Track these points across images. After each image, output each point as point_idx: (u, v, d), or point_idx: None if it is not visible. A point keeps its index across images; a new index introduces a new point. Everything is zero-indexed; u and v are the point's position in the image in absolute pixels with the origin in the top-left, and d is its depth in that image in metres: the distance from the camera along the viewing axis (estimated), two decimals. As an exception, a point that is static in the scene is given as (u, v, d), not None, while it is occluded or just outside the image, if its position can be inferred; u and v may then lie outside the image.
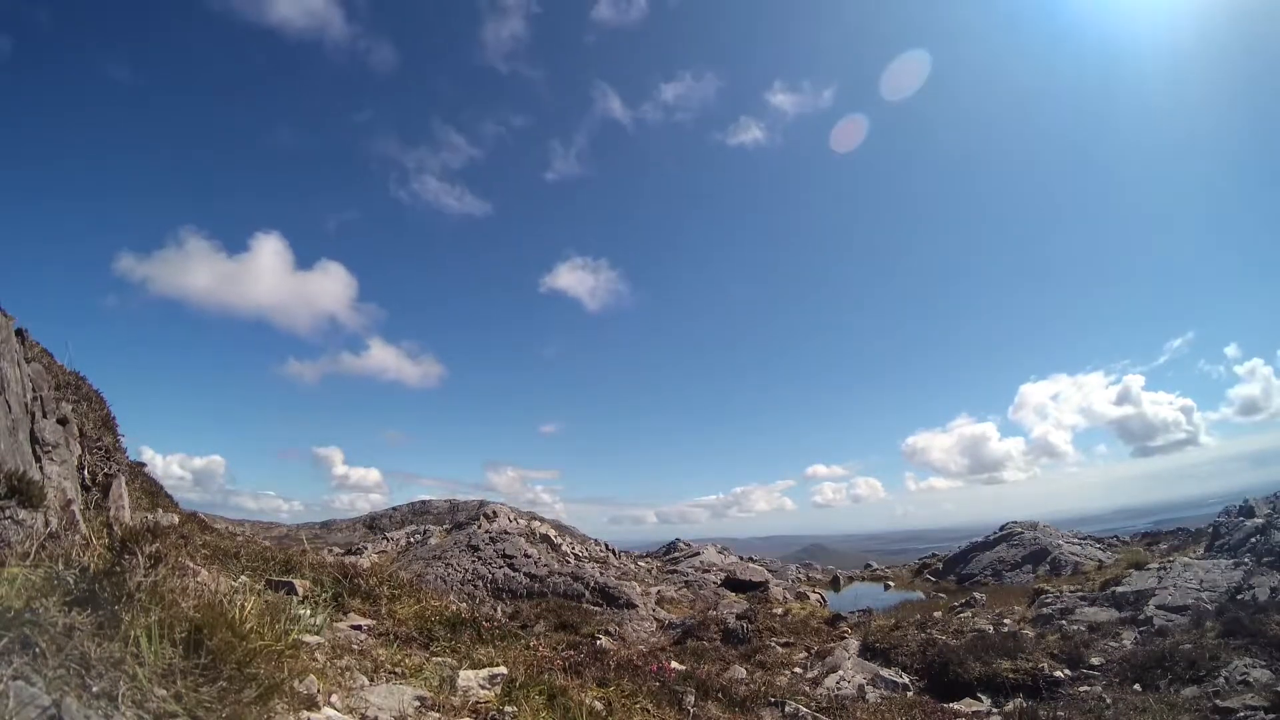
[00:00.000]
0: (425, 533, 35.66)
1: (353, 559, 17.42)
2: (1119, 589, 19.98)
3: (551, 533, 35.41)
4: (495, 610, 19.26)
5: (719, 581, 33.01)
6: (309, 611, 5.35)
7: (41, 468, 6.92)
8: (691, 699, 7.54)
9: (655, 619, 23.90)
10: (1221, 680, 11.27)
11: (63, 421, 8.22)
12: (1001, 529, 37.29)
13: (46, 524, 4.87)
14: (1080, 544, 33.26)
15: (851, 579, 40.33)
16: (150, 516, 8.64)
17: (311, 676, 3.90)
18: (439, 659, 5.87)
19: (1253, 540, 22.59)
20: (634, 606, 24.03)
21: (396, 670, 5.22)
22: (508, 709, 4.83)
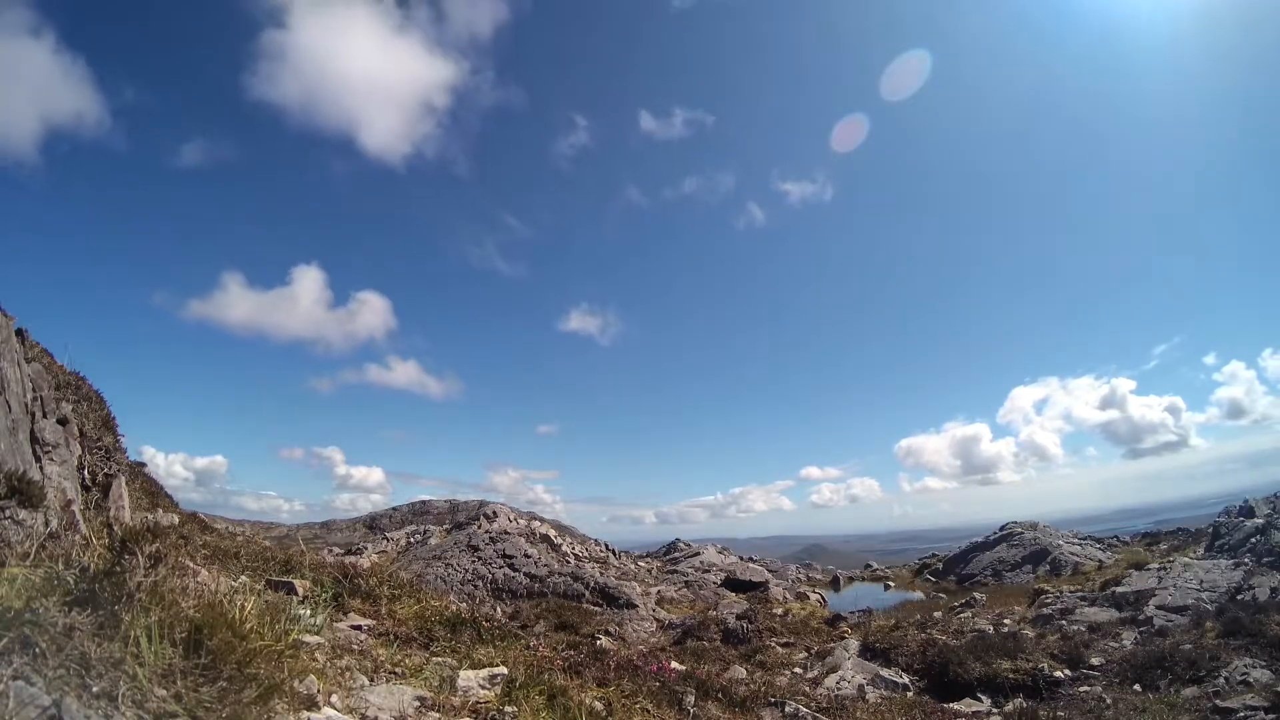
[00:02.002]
0: (425, 533, 35.66)
1: (353, 559, 17.41)
2: (1119, 589, 20.01)
3: (551, 533, 35.40)
4: (495, 610, 19.25)
5: (719, 581, 33.01)
6: (309, 611, 5.34)
7: (41, 468, 6.91)
8: (691, 699, 7.54)
9: (655, 619, 23.90)
10: (1221, 680, 11.27)
11: (63, 421, 8.21)
12: (1001, 529, 37.30)
13: (46, 524, 4.86)
14: (1080, 544, 33.29)
15: (851, 579, 40.32)
16: (150, 516, 8.64)
17: (311, 676, 3.89)
18: (439, 659, 5.86)
19: (1253, 540, 22.62)
20: (634, 606, 24.03)
21: (396, 670, 5.21)
22: (508, 709, 4.82)
